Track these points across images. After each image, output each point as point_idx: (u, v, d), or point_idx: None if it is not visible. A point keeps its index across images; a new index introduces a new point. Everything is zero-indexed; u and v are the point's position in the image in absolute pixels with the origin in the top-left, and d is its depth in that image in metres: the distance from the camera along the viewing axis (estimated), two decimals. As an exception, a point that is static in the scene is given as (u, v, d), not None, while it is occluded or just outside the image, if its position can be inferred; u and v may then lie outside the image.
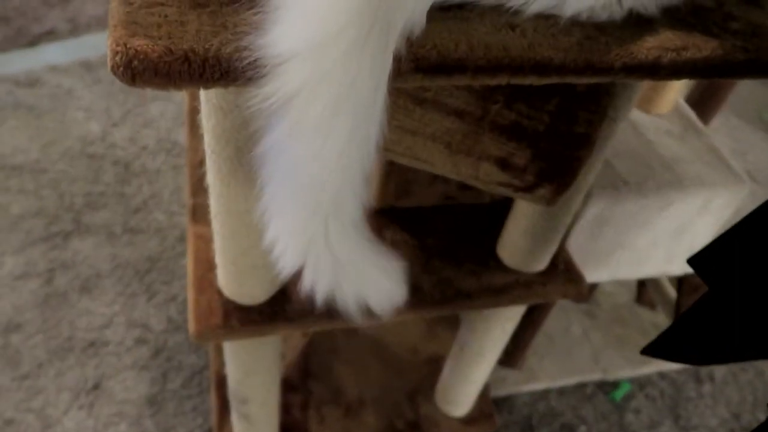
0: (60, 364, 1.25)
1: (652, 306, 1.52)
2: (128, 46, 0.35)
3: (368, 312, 0.51)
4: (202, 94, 0.53)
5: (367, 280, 0.49)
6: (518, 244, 0.91)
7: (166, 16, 0.38)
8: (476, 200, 1.02)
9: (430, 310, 0.90)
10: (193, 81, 0.36)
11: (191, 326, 0.81)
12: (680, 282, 1.21)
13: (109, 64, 0.35)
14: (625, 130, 1.04)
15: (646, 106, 1.08)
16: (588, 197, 0.93)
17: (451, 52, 0.40)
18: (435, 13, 0.42)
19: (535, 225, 0.85)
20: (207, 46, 0.36)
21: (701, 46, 0.46)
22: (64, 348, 1.27)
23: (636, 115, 1.07)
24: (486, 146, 0.54)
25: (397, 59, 0.39)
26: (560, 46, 0.43)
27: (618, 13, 0.46)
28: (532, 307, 1.25)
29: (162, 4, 0.38)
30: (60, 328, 1.30)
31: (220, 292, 0.83)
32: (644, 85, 1.08)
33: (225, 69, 0.36)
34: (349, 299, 0.49)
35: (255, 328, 0.83)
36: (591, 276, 1.08)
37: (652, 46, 0.45)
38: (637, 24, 0.46)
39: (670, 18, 0.48)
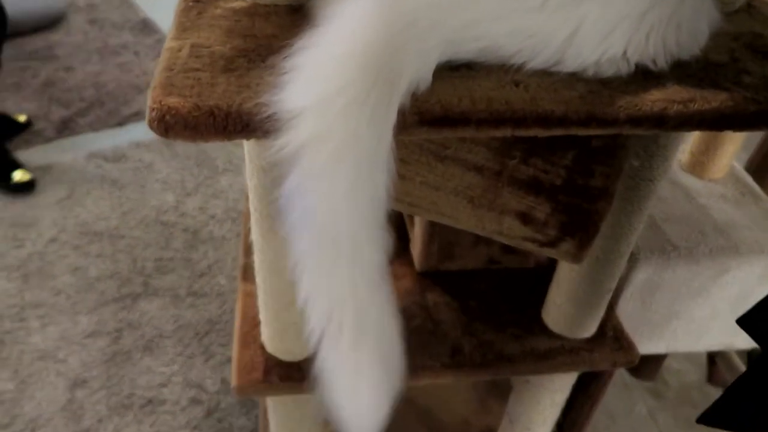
0: (119, 420, 1.29)
1: (724, 385, 1.42)
2: (163, 103, 0.40)
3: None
4: (247, 156, 0.58)
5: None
6: (562, 308, 0.89)
7: (199, 79, 0.43)
8: (521, 264, 1.02)
9: (471, 373, 0.89)
10: (218, 133, 0.41)
11: (233, 380, 0.84)
12: (749, 357, 1.13)
13: (146, 119, 0.41)
14: (676, 195, 1.02)
15: (698, 171, 1.06)
16: (634, 262, 0.91)
17: (454, 105, 0.43)
18: (443, 71, 0.46)
19: (577, 289, 0.84)
20: (230, 103, 0.41)
21: (710, 98, 0.47)
22: (124, 405, 1.32)
23: (688, 179, 1.06)
24: (506, 200, 0.56)
25: (402, 113, 0.42)
26: (562, 99, 0.45)
27: (624, 68, 0.48)
28: (588, 380, 1.20)
29: (197, 70, 0.44)
30: (122, 386, 1.35)
31: (263, 348, 0.86)
32: (692, 147, 1.07)
33: (245, 123, 0.41)
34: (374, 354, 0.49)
35: (294, 384, 0.84)
36: (646, 347, 1.03)
37: (658, 98, 0.46)
38: (643, 78, 0.48)
39: (680, 73, 0.49)
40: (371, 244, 0.43)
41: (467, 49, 0.45)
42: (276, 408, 0.94)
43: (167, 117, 0.40)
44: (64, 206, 1.78)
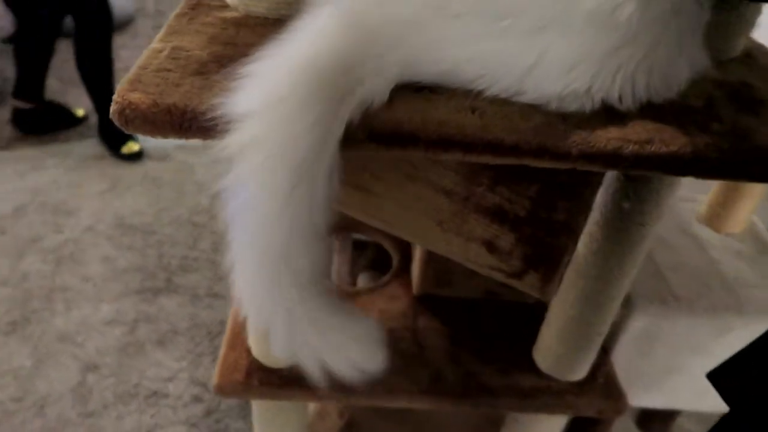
0: (122, 408, 1.34)
1: (739, 453, 1.34)
2: (125, 98, 0.43)
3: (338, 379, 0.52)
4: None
5: (331, 345, 0.51)
6: (552, 347, 0.87)
7: (167, 78, 0.46)
8: (520, 299, 1.01)
9: (451, 401, 0.88)
10: (174, 130, 0.44)
11: (215, 379, 0.86)
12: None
13: (111, 112, 0.44)
14: (687, 245, 0.99)
15: (715, 223, 1.03)
16: (631, 308, 0.89)
17: (404, 124, 0.44)
18: (406, 91, 0.47)
19: (567, 329, 0.83)
20: (187, 103, 0.43)
21: (669, 141, 0.46)
22: (129, 393, 1.36)
23: (703, 231, 1.02)
24: (472, 227, 0.56)
25: (351, 127, 0.43)
26: (515, 128, 0.45)
27: (588, 104, 0.48)
28: (585, 427, 1.16)
29: (169, 70, 0.47)
30: (130, 375, 1.40)
31: (248, 351, 0.88)
32: (710, 199, 1.03)
33: (199, 123, 0.43)
34: (310, 363, 0.51)
35: (273, 390, 0.86)
36: (642, 399, 1.00)
37: (615, 137, 0.46)
38: (607, 116, 0.48)
39: (648, 113, 0.49)
40: (304, 249, 0.44)
41: (428, 71, 0.47)
42: (259, 413, 0.96)
43: (127, 111, 0.43)
44: (105, 198, 1.87)
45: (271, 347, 0.49)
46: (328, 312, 0.49)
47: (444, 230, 0.59)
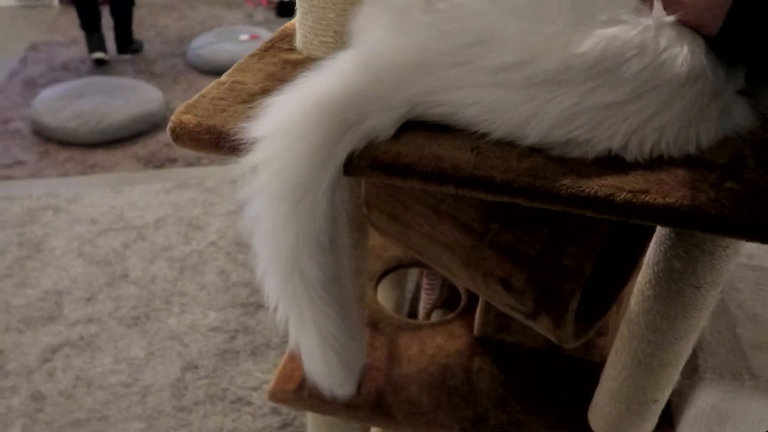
0: (210, 407, 1.46)
1: None
2: (178, 118, 0.52)
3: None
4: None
5: (315, 355, 0.56)
6: (604, 408, 0.84)
7: (217, 105, 0.54)
8: (583, 355, 0.98)
9: (486, 447, 0.87)
10: (212, 147, 0.52)
11: (270, 384, 0.93)
12: None
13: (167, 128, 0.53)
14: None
15: (820, 303, 0.93)
16: (698, 381, 0.83)
17: (402, 157, 0.49)
18: (415, 127, 0.51)
19: (620, 390, 0.79)
20: (223, 126, 0.51)
21: (666, 193, 0.45)
22: (218, 396, 1.49)
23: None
24: (489, 263, 0.58)
25: (353, 154, 0.49)
26: (507, 167, 0.47)
27: (590, 152, 0.49)
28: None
29: (222, 99, 0.55)
30: (222, 379, 1.52)
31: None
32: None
33: (229, 142, 0.51)
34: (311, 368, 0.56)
35: (321, 404, 0.91)
36: (713, 484, 0.91)
37: (609, 183, 0.46)
38: (608, 163, 0.48)
39: (656, 166, 0.49)
40: (310, 258, 0.50)
41: (432, 112, 0.51)
42: (313, 426, 1.01)
43: (177, 129, 0.52)
44: (231, 218, 2.07)
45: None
46: (330, 319, 0.54)
47: (464, 264, 0.61)
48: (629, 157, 0.49)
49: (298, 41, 0.67)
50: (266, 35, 2.99)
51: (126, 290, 1.78)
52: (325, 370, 0.56)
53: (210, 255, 1.91)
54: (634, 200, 0.46)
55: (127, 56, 3.36)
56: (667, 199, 0.45)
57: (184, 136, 0.52)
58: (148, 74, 3.21)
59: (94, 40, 3.17)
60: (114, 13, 3.24)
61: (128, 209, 2.12)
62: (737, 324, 0.91)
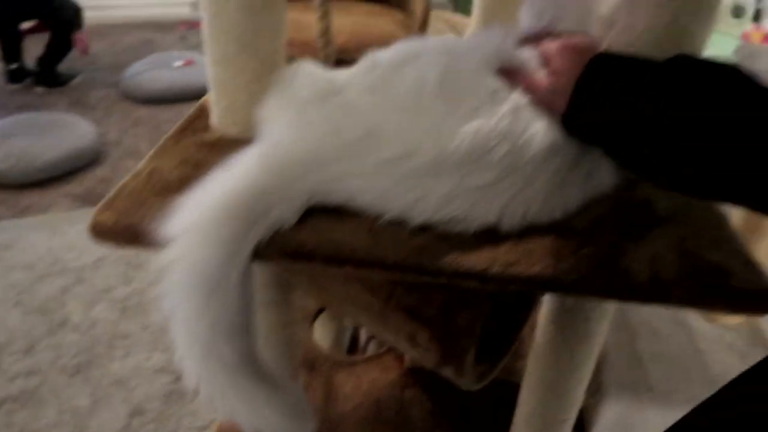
0: (159, 451, 1.47)
1: None
2: (98, 217, 0.56)
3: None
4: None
5: (261, 416, 0.60)
6: (523, 430, 0.91)
7: (136, 199, 0.59)
8: (506, 377, 1.05)
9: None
10: (133, 244, 0.56)
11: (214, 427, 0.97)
12: None
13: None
14: (677, 335, 1.00)
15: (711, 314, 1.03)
16: (602, 396, 0.91)
17: (305, 245, 0.54)
18: (319, 211, 0.57)
19: (533, 413, 0.87)
20: (141, 223, 0.56)
21: (533, 264, 0.53)
22: (167, 438, 1.50)
23: (698, 321, 1.03)
24: (396, 322, 0.65)
25: (260, 245, 0.54)
26: (399, 248, 0.54)
27: (470, 227, 0.56)
28: None
29: (139, 191, 0.60)
30: (170, 422, 1.54)
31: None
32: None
33: (146, 239, 0.55)
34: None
35: None
36: (627, 487, 1.00)
37: (485, 257, 0.53)
38: (486, 237, 0.55)
39: (528, 235, 0.56)
40: (227, 342, 0.55)
41: (330, 199, 0.57)
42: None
43: (97, 228, 0.56)
44: (171, 255, 2.07)
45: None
46: (257, 389, 0.59)
47: (376, 323, 0.67)
48: (504, 228, 0.56)
49: (214, 119, 0.72)
50: (201, 59, 2.99)
51: (67, 338, 1.77)
52: (269, 427, 0.59)
53: (153, 293, 1.91)
54: (505, 272, 0.53)
55: (58, 88, 3.30)
56: (533, 269, 0.52)
57: (105, 235, 0.56)
58: (81, 106, 3.17)
59: (14, 71, 3.16)
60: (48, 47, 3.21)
61: (65, 251, 2.10)
62: (637, 337, 1.00)
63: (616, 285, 0.52)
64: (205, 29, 0.65)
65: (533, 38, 0.61)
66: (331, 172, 0.55)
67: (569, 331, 0.75)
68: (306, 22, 0.91)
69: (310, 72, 0.63)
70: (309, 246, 0.54)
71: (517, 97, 0.55)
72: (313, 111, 0.57)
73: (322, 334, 1.21)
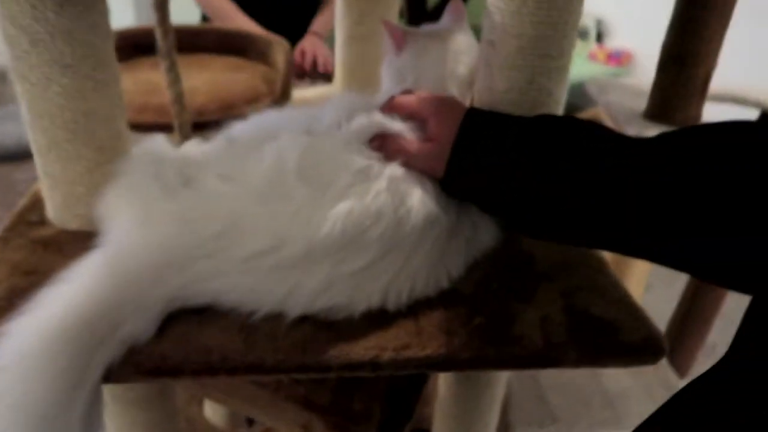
0: None
1: None
2: None
3: None
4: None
5: None
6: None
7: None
8: (414, 425, 1.01)
9: None
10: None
11: None
12: None
13: None
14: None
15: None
16: (511, 436, 0.90)
17: (169, 358, 0.47)
18: (180, 314, 0.50)
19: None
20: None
21: (425, 344, 0.49)
22: None
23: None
24: (288, 413, 0.59)
25: (113, 365, 0.46)
26: (277, 347, 0.48)
27: (354, 312, 0.51)
28: None
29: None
30: None
31: None
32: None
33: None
34: None
35: None
36: None
37: (373, 345, 0.49)
38: (373, 320, 0.51)
39: (416, 311, 0.52)
40: None
41: (194, 301, 0.50)
42: None
43: None
44: None
45: None
46: None
47: (267, 414, 0.61)
48: (391, 308, 0.52)
49: (50, 213, 0.62)
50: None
51: None
52: None
53: None
54: (398, 358, 0.49)
55: None
56: (426, 351, 0.49)
57: None
58: None
59: None
60: None
61: None
62: (539, 371, 1.01)
63: (511, 356, 0.50)
64: (24, 114, 0.56)
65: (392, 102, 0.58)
66: (190, 274, 0.49)
67: (470, 382, 0.73)
68: (158, 82, 0.83)
69: (157, 156, 0.56)
70: (173, 359, 0.47)
71: (392, 170, 0.52)
72: (163, 205, 0.50)
73: (214, 410, 1.11)
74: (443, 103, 0.56)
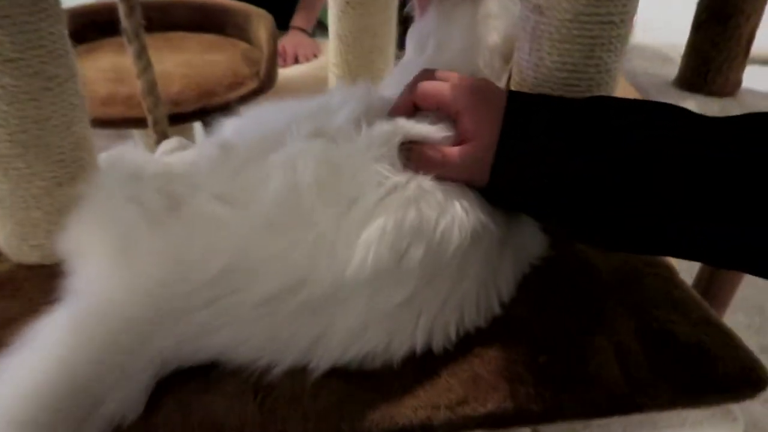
0: None
1: None
2: None
3: None
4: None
5: None
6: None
7: None
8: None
9: None
10: None
11: None
12: None
13: None
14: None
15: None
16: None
17: (166, 437, 0.37)
18: (175, 377, 0.40)
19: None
20: None
21: (485, 397, 0.40)
22: None
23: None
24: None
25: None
26: (305, 412, 0.38)
27: (394, 357, 0.41)
28: None
29: None
30: None
31: None
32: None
33: None
34: None
35: None
36: None
37: (422, 402, 0.39)
38: (416, 368, 0.41)
39: (466, 350, 0.43)
40: None
41: (194, 359, 0.40)
42: None
43: None
44: None
45: None
46: None
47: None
48: (437, 348, 0.43)
49: (1, 243, 0.51)
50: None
51: None
52: None
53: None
54: (455, 417, 0.39)
55: None
56: (488, 406, 0.40)
57: None
58: None
59: None
60: None
61: None
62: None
63: (591, 404, 0.41)
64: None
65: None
66: (187, 327, 0.38)
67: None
68: (125, 68, 0.71)
69: (132, 169, 0.44)
70: (175, 439, 0.37)
71: (421, 181, 0.42)
72: (146, 238, 0.39)
73: None
74: (479, 93, 0.45)
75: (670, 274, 0.51)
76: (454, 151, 0.43)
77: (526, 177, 0.42)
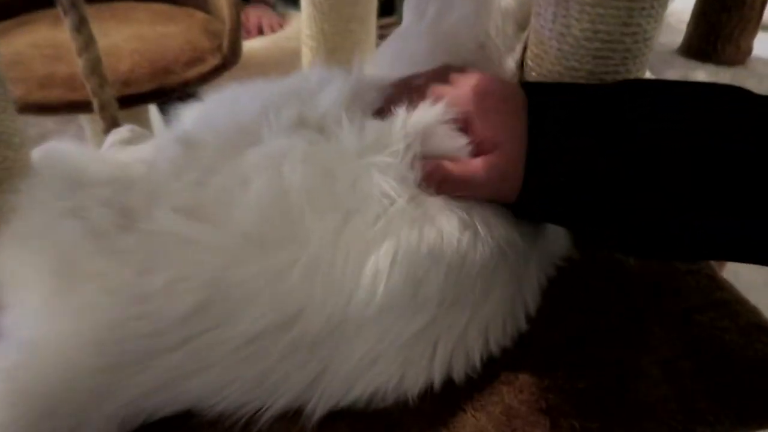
0: None
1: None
2: None
3: None
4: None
5: None
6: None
7: None
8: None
9: None
10: None
11: None
12: None
13: None
14: None
15: None
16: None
17: None
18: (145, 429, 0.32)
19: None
20: None
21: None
22: None
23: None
24: None
25: None
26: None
27: (409, 392, 0.34)
28: None
29: None
30: None
31: None
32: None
33: None
34: None
35: None
36: None
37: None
38: (436, 401, 0.34)
39: (492, 376, 0.36)
40: None
41: (167, 410, 0.32)
42: None
43: None
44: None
45: None
46: None
47: None
48: (458, 377, 0.36)
49: None
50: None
51: None
52: None
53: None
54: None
55: None
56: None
57: None
58: None
59: None
60: None
61: None
62: None
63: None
64: None
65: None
66: (154, 373, 0.30)
67: None
68: (65, 43, 0.60)
69: (73, 174, 0.35)
70: None
71: (441, 203, 0.35)
72: (94, 265, 0.31)
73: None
74: (494, 92, 0.37)
75: (712, 272, 0.45)
76: (477, 165, 0.36)
77: (562, 188, 0.35)
